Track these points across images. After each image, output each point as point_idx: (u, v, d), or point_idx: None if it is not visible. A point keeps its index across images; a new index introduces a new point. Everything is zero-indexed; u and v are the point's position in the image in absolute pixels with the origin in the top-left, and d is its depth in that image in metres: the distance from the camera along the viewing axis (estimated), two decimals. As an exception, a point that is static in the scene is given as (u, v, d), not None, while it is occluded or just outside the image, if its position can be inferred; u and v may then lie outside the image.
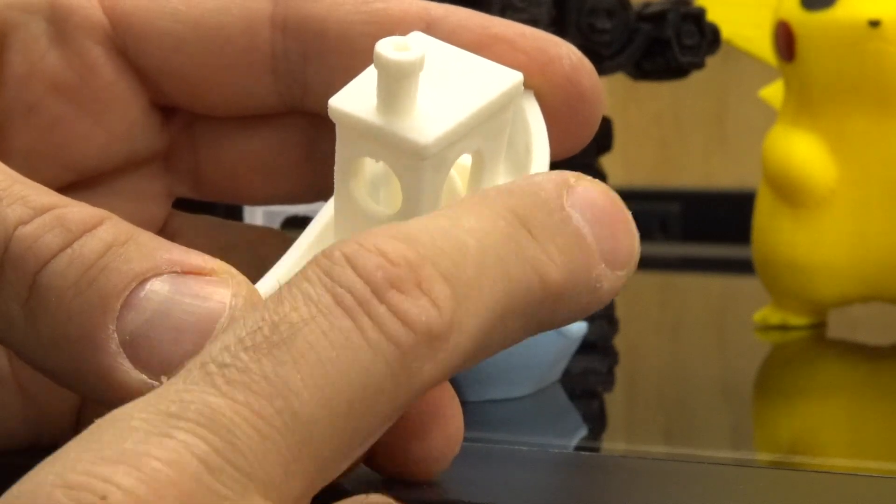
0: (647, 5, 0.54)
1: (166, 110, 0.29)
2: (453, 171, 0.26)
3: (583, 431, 0.45)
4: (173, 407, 0.19)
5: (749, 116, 1.16)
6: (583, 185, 0.24)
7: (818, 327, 0.62)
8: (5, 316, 0.23)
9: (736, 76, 1.15)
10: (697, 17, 0.54)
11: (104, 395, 0.23)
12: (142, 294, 0.23)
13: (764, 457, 0.42)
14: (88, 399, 0.25)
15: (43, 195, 0.23)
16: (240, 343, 0.20)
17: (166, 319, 0.23)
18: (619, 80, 0.58)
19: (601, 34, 0.52)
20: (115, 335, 0.23)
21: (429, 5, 0.27)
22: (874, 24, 0.56)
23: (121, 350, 0.23)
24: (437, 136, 0.23)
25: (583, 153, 0.54)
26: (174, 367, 0.23)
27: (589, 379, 0.50)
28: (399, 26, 0.26)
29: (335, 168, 0.25)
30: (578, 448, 0.41)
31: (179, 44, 0.28)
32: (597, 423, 0.46)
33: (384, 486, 0.28)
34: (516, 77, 0.25)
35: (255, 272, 0.25)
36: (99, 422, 0.19)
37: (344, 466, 0.21)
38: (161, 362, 0.23)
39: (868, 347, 0.65)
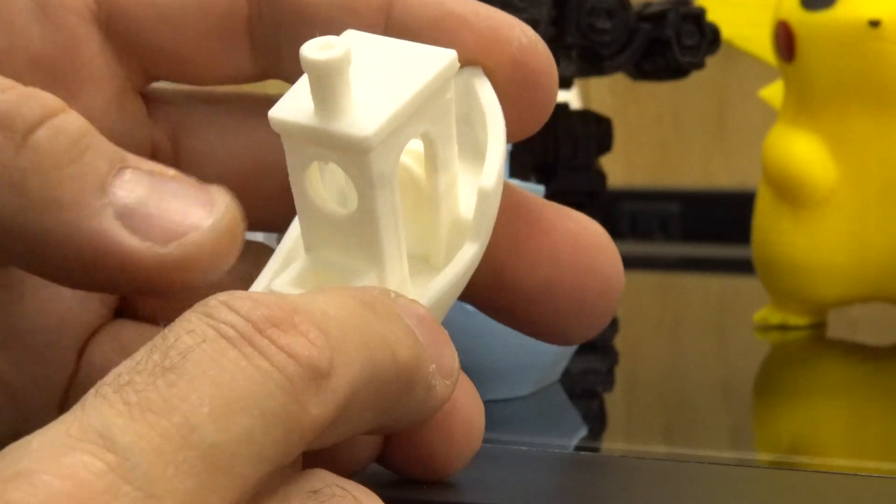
0: (647, 5, 0.54)
1: (147, 100, 0.29)
2: (409, 160, 0.26)
3: (583, 431, 0.45)
4: (73, 429, 0.19)
5: (749, 116, 1.16)
6: (404, 300, 0.24)
7: (818, 327, 0.62)
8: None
9: (736, 76, 1.15)
10: (697, 17, 0.54)
11: (97, 263, 0.23)
12: (125, 178, 0.23)
13: (764, 457, 0.42)
14: (69, 276, 0.24)
15: (6, 78, 0.24)
16: (132, 370, 0.20)
17: (157, 201, 0.23)
18: (619, 80, 0.58)
19: (601, 34, 0.52)
20: (110, 207, 0.23)
21: None
22: (874, 24, 0.56)
23: (117, 220, 0.23)
24: (377, 127, 0.23)
25: (583, 153, 0.54)
26: (180, 236, 0.23)
27: (589, 379, 0.50)
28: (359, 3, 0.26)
29: (290, 178, 0.25)
30: (578, 448, 0.41)
31: (162, 14, 0.28)
32: (597, 423, 0.46)
33: (382, 486, 0.28)
34: (449, 56, 0.25)
35: (242, 284, 0.25)
36: (3, 450, 0.19)
37: (252, 494, 0.21)
38: (164, 234, 0.23)
39: (868, 347, 0.65)
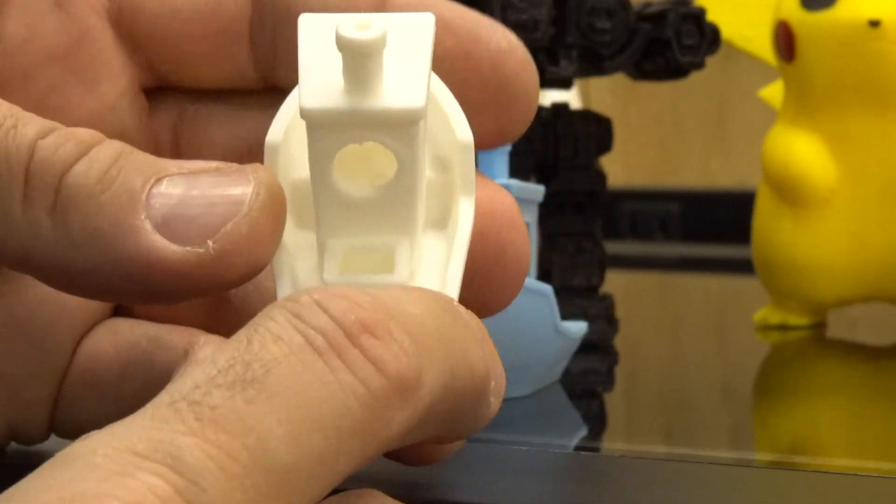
0: (647, 5, 0.54)
1: (152, 96, 0.29)
2: None
3: (583, 431, 0.45)
4: (140, 445, 0.19)
5: (749, 116, 1.16)
6: (464, 309, 0.24)
7: (818, 327, 0.62)
8: (33, 225, 0.23)
9: (736, 76, 1.15)
10: (697, 17, 0.54)
11: (148, 278, 0.23)
12: (162, 188, 0.23)
13: (764, 457, 0.42)
14: (129, 296, 0.24)
15: (47, 120, 0.24)
16: (211, 381, 0.20)
17: (194, 200, 0.23)
18: (619, 80, 0.58)
19: (601, 34, 0.52)
20: (148, 221, 0.23)
21: None
22: (874, 24, 0.56)
23: (156, 232, 0.23)
24: (423, 96, 0.23)
25: (583, 153, 0.54)
26: (216, 234, 0.23)
27: (589, 379, 0.50)
28: (356, 0, 0.27)
29: (312, 168, 0.25)
30: (578, 448, 0.41)
31: (174, 10, 0.28)
32: (597, 423, 0.46)
33: (382, 484, 0.28)
34: (429, 17, 0.25)
35: None
36: (61, 455, 0.19)
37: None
38: (201, 233, 0.23)
39: (868, 347, 0.65)
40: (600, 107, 0.64)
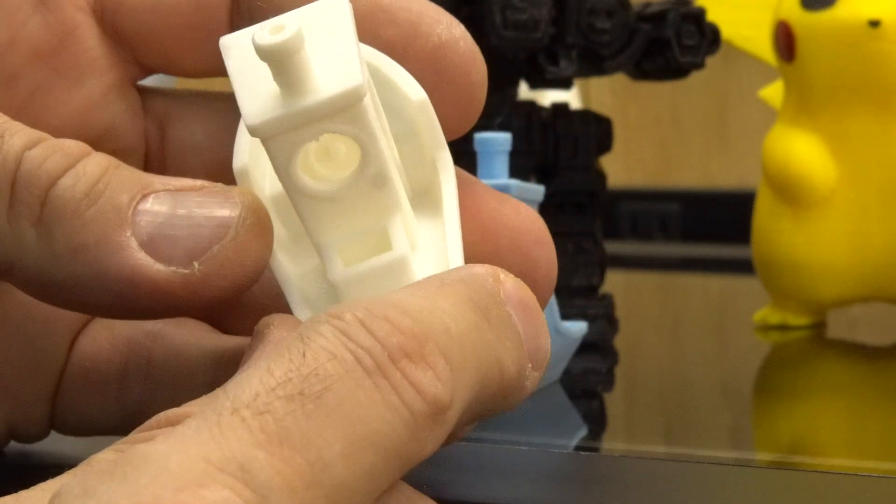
0: (647, 5, 0.54)
1: (143, 92, 0.29)
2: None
3: (583, 431, 0.45)
4: (213, 455, 0.19)
5: (749, 116, 1.16)
6: (511, 283, 0.24)
7: (818, 327, 0.62)
8: (17, 236, 0.24)
9: (736, 76, 1.15)
10: (697, 17, 0.54)
11: (131, 295, 0.23)
12: (147, 205, 0.24)
13: (764, 457, 0.42)
14: (110, 311, 0.24)
15: (35, 130, 0.25)
16: (272, 392, 0.20)
17: (180, 220, 0.24)
18: (619, 80, 0.58)
19: (601, 34, 0.52)
20: (133, 239, 0.23)
21: None
22: (874, 24, 0.56)
23: (141, 250, 0.23)
24: (358, 73, 0.23)
25: (583, 153, 0.54)
26: (202, 256, 0.23)
27: (589, 379, 0.50)
28: None
29: (280, 179, 0.25)
30: (578, 448, 0.41)
31: (156, 5, 0.28)
32: (597, 423, 0.46)
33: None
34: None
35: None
36: (130, 455, 0.19)
37: None
38: (187, 254, 0.23)
39: (868, 347, 0.65)
40: (600, 107, 0.64)
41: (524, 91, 0.59)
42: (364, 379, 0.20)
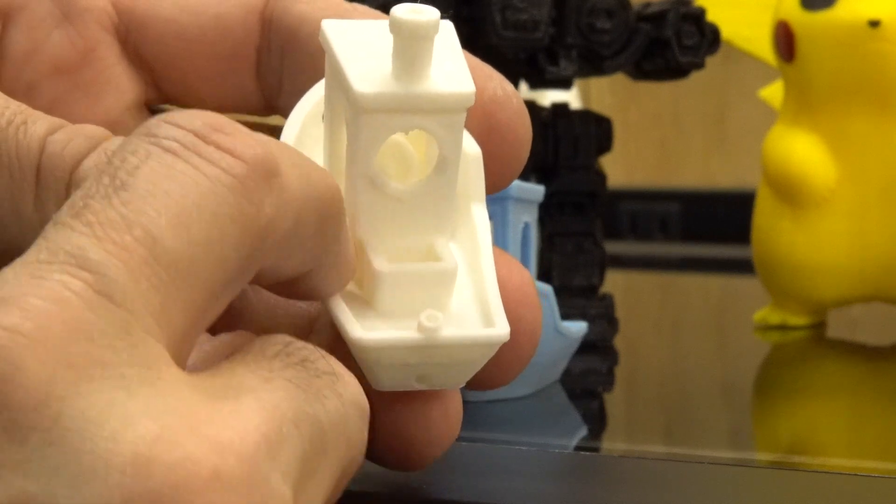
0: (647, 5, 0.54)
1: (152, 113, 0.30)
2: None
3: (583, 431, 0.45)
4: (42, 255, 0.19)
5: (749, 116, 1.16)
6: None
7: (818, 327, 0.62)
8: (45, 221, 0.24)
9: (736, 76, 1.15)
10: (697, 17, 0.54)
11: None
12: None
13: (764, 457, 0.42)
14: None
15: (56, 118, 0.25)
16: (86, 195, 0.20)
17: None
18: (619, 80, 0.58)
19: (601, 34, 0.52)
20: None
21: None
22: (874, 24, 0.56)
23: None
24: (472, 82, 0.23)
25: (583, 153, 0.54)
26: None
27: (589, 379, 0.50)
28: None
29: (355, 161, 0.24)
30: (578, 448, 0.41)
31: (180, 31, 0.28)
32: (597, 423, 0.46)
33: (380, 485, 0.28)
34: (449, 23, 0.25)
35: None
36: None
37: (220, 306, 0.21)
38: None
39: (868, 347, 0.65)
40: (600, 107, 0.64)
41: (524, 91, 0.59)
42: (173, 160, 0.21)
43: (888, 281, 0.59)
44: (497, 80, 0.27)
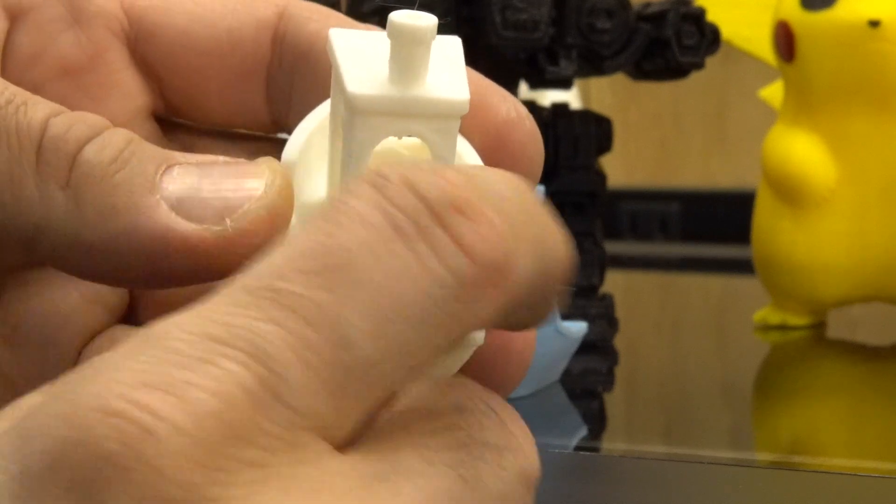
0: (647, 5, 0.54)
1: (162, 126, 0.30)
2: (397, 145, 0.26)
3: (583, 431, 0.45)
4: (218, 330, 0.18)
5: (749, 116, 1.16)
6: None
7: (818, 327, 0.62)
8: (46, 200, 0.24)
9: (736, 76, 1.15)
10: (697, 17, 0.54)
11: (163, 254, 0.23)
12: (174, 174, 0.24)
13: (764, 457, 0.42)
14: (139, 275, 0.24)
15: (55, 104, 0.25)
16: (290, 264, 0.18)
17: (208, 186, 0.23)
18: (619, 80, 0.58)
19: (601, 34, 0.52)
20: (163, 202, 0.23)
21: None
22: (874, 24, 0.56)
23: (172, 211, 0.23)
24: (467, 91, 0.24)
25: (583, 153, 0.54)
26: (234, 214, 0.23)
27: (589, 379, 0.50)
28: None
29: (348, 162, 0.24)
30: (578, 448, 0.41)
31: (191, 42, 0.28)
32: (597, 423, 0.46)
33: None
34: (457, 39, 0.25)
35: None
36: (135, 338, 0.18)
37: (393, 398, 0.20)
38: (216, 213, 0.23)
39: (868, 347, 0.65)
40: (600, 107, 0.64)
41: (524, 91, 0.59)
42: (399, 245, 0.19)
43: (888, 281, 0.59)
44: (511, 102, 0.27)
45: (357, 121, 0.24)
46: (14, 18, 0.28)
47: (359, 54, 0.24)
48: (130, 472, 0.17)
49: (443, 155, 0.24)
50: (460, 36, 0.25)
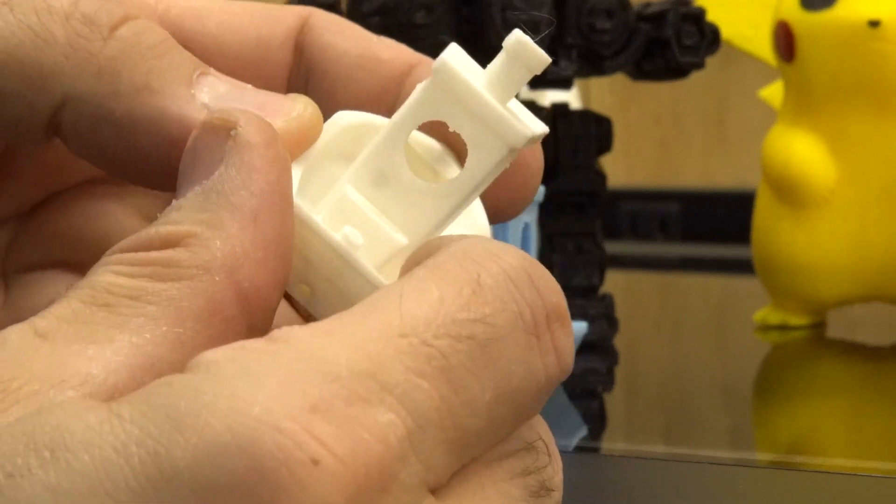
0: (647, 5, 0.54)
1: None
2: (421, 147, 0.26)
3: (583, 431, 0.45)
4: (381, 375, 0.19)
5: (749, 116, 1.16)
6: None
7: (818, 327, 0.62)
8: (76, 67, 0.24)
9: (736, 76, 1.15)
10: (697, 17, 0.54)
11: (182, 136, 0.23)
12: (208, 80, 0.24)
13: (764, 457, 0.42)
14: (157, 165, 0.24)
15: None
16: (444, 325, 0.20)
17: (242, 94, 0.24)
18: (619, 80, 0.58)
19: (601, 34, 0.52)
20: (196, 97, 0.24)
21: (413, 56, 0.27)
22: (874, 24, 0.56)
23: (206, 108, 0.23)
24: (544, 128, 0.24)
25: (583, 153, 0.54)
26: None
27: (589, 379, 0.50)
28: (387, 66, 0.27)
29: (396, 123, 0.24)
30: (578, 448, 0.41)
31: (223, 49, 0.28)
32: (597, 423, 0.46)
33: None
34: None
35: None
36: (283, 344, 0.19)
37: None
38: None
39: (868, 347, 0.65)
40: (600, 107, 0.64)
41: (524, 91, 0.59)
42: (524, 336, 0.20)
43: (888, 281, 0.59)
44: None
45: (433, 84, 0.24)
46: None
47: (466, 60, 0.25)
48: (288, 495, 0.17)
49: (477, 168, 0.24)
50: (460, 36, 0.26)
